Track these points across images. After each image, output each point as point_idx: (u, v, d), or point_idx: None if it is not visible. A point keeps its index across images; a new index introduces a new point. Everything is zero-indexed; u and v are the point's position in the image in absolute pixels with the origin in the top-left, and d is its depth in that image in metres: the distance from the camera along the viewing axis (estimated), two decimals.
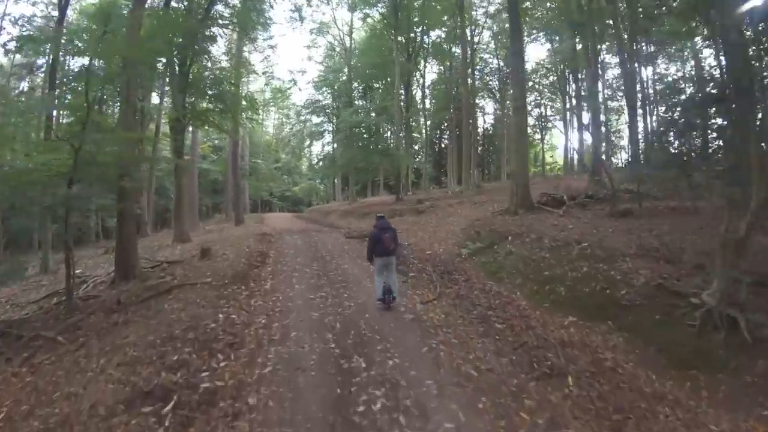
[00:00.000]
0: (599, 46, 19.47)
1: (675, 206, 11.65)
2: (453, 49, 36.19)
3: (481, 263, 9.98)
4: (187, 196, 29.47)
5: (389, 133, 31.12)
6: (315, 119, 40.65)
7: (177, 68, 17.10)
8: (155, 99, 27.29)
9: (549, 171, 50.56)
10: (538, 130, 47.90)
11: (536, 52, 51.18)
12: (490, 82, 42.50)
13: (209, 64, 19.20)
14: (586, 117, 33.50)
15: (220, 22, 19.52)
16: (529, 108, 44.52)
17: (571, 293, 7.50)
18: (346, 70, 33.96)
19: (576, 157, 39.09)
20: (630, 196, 12.95)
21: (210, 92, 18.23)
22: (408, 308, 7.31)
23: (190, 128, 28.12)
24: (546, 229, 10.50)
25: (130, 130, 11.94)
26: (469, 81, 37.25)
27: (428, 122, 41.46)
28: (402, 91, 28.53)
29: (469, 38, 34.81)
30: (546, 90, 44.31)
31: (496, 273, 9.16)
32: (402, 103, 27.99)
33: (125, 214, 11.69)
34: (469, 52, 27.02)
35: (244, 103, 20.80)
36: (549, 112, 47.23)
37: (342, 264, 10.99)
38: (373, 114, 27.05)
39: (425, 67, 36.45)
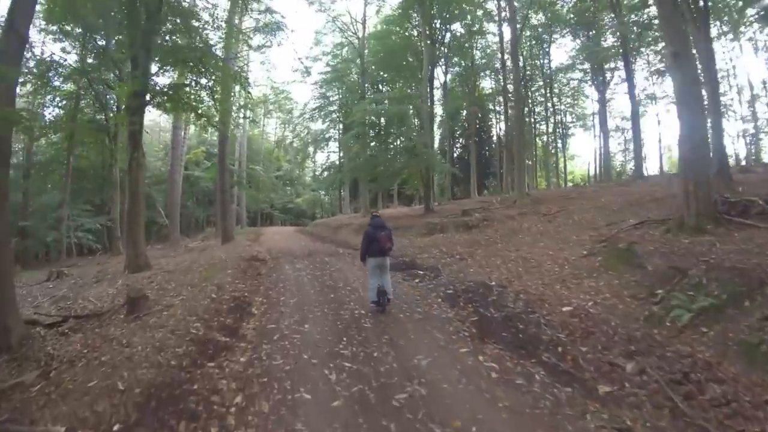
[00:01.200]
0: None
1: None
2: (477, 41, 30.85)
3: (746, 347, 3.79)
4: (168, 206, 23.48)
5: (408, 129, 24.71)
6: (320, 124, 34.69)
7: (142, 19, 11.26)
8: None
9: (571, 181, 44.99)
10: (556, 138, 42.21)
11: (556, 54, 45.26)
12: (509, 84, 36.60)
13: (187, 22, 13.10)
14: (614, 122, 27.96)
15: None
16: (547, 114, 39.07)
17: None
18: (358, 61, 28.02)
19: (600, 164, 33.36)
20: None
21: (184, 54, 12.11)
22: None
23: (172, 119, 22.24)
24: None
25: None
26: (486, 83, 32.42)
27: (444, 127, 35.60)
28: (427, 83, 22.56)
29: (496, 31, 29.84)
30: (569, 94, 38.65)
31: None
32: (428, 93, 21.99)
33: None
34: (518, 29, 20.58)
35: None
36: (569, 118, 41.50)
37: (414, 351, 4.73)
38: (387, 104, 20.27)
39: (446, 65, 30.53)
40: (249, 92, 16.71)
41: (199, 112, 14.33)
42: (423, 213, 18.71)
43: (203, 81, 13.27)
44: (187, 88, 13.39)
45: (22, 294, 11.72)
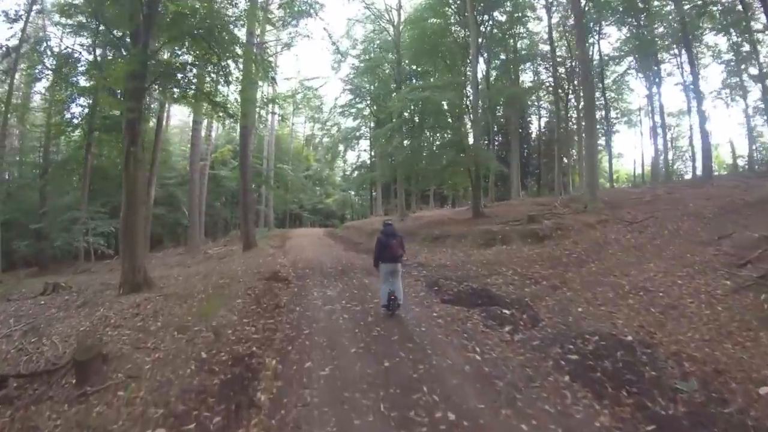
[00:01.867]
0: None
1: None
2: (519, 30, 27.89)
3: None
4: (188, 208, 21.51)
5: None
6: (351, 122, 32.26)
7: None
8: None
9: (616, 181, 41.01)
10: (602, 135, 38.21)
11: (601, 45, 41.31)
12: (549, 78, 33.10)
13: None
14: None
15: None
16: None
17: None
18: (390, 56, 25.49)
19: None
20: None
21: (191, 24, 9.68)
22: None
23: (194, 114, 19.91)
24: None
25: None
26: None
27: (482, 122, 32.45)
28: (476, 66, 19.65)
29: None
30: (612, 88, 34.65)
31: None
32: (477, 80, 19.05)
33: None
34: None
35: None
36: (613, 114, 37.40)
37: None
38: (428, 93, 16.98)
39: (488, 54, 27.55)
40: (273, 78, 14.35)
41: (215, 100, 12.04)
42: (472, 217, 15.87)
43: (216, 61, 10.94)
44: (198, 70, 11.11)
45: (8, 313, 9.74)
